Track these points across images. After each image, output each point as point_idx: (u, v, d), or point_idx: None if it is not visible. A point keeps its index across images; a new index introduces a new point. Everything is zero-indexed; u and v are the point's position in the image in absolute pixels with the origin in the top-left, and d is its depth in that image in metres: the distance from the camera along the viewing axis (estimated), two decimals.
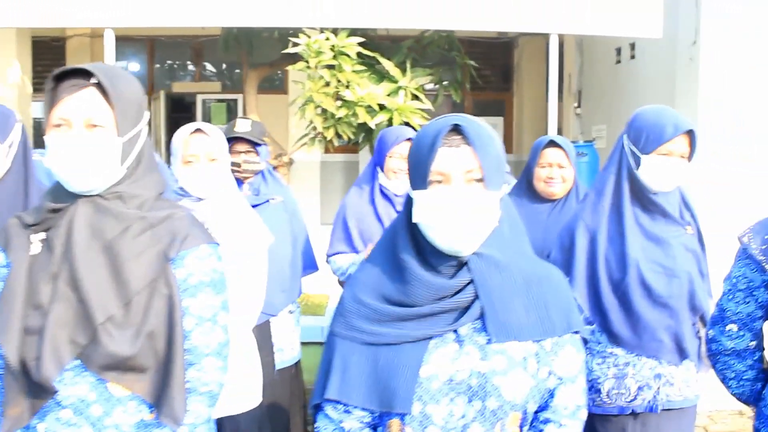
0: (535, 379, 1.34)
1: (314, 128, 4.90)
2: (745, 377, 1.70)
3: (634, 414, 2.41)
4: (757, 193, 5.67)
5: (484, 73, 11.39)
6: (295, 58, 4.79)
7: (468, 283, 1.33)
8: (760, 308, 1.59)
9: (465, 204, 1.30)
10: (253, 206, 3.02)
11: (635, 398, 2.38)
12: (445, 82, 6.22)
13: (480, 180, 1.31)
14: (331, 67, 4.73)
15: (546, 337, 1.36)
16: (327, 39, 4.65)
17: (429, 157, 1.32)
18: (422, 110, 4.91)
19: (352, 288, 1.43)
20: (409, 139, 3.14)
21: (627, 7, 5.13)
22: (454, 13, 4.80)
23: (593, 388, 2.43)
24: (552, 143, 2.91)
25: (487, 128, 1.36)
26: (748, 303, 1.60)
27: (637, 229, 2.33)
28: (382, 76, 5.03)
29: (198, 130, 2.49)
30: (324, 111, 4.76)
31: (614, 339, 2.36)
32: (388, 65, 4.95)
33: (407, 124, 4.73)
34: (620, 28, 5.16)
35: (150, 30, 8.15)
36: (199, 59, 9.72)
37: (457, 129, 1.32)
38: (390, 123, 4.71)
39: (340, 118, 4.62)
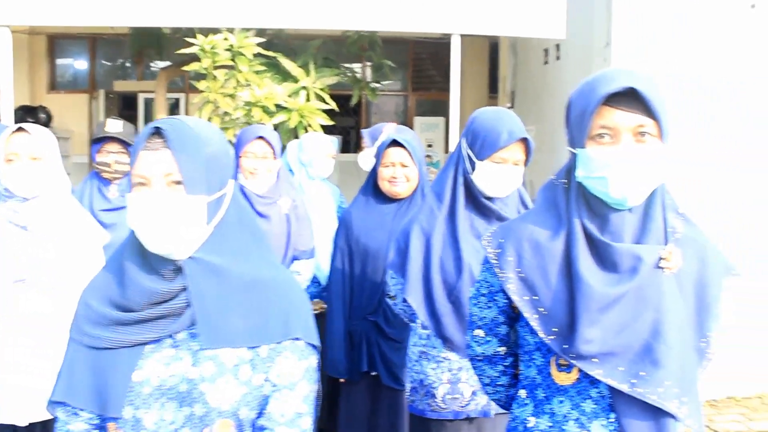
0: (248, 386, 1.33)
1: None
2: (498, 383, 1.69)
3: (469, 419, 2.41)
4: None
5: (429, 73, 11.50)
6: (195, 58, 4.79)
7: (183, 289, 1.33)
8: (502, 313, 1.58)
9: (162, 207, 1.29)
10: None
11: (469, 403, 2.39)
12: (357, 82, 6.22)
13: (180, 183, 1.30)
14: (230, 67, 4.72)
15: (261, 344, 1.34)
16: (225, 39, 4.64)
17: (135, 162, 1.33)
18: (326, 111, 4.91)
19: (85, 292, 1.43)
20: (260, 137, 3.14)
21: (532, 8, 5.17)
22: (355, 12, 4.82)
23: (429, 393, 2.44)
24: (395, 143, 2.90)
25: (196, 131, 1.34)
26: (490, 308, 1.59)
27: (471, 233, 2.33)
28: (287, 76, 5.03)
29: (20, 129, 2.49)
30: (225, 112, 4.75)
31: (447, 343, 2.36)
32: (289, 65, 4.95)
33: (309, 125, 4.74)
34: (524, 29, 5.20)
35: (91, 28, 8.12)
36: (141, 58, 9.64)
37: (159, 132, 1.32)
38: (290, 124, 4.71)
39: (236, 119, 4.60)
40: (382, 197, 2.99)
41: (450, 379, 2.41)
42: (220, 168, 1.37)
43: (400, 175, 2.91)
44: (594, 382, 1.39)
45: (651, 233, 1.38)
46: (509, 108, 8.51)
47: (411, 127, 8.89)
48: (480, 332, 1.63)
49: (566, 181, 1.44)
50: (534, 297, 1.42)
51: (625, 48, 5.76)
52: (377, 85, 6.89)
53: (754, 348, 5.58)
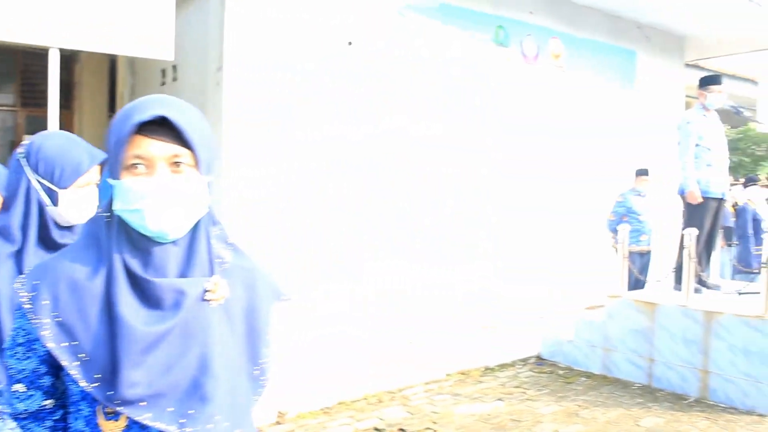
0: None
1: None
2: None
3: None
4: (286, 210, 6.04)
5: (41, 88, 10.53)
6: None
7: None
8: (43, 363, 1.40)
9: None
10: None
11: None
12: None
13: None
14: None
15: None
16: None
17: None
18: None
19: None
20: None
21: (140, 27, 4.99)
22: None
23: None
24: None
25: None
26: (30, 358, 1.39)
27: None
28: None
29: None
30: None
31: None
32: None
33: None
34: (131, 48, 5.00)
35: None
36: None
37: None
38: None
39: None
40: None
41: None
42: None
43: None
44: (144, 426, 1.31)
45: (196, 265, 1.35)
46: None
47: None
48: (20, 386, 1.44)
49: (108, 214, 1.34)
50: (73, 342, 1.29)
51: (237, 72, 5.91)
52: None
53: (356, 353, 6.12)
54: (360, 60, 6.46)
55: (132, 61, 8.10)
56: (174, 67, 6.98)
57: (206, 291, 1.34)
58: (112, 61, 9.52)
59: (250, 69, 5.92)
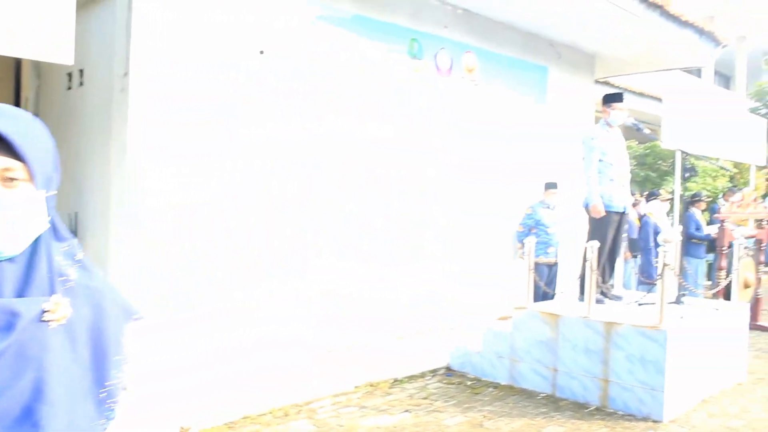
0: None
1: None
2: None
3: None
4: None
5: None
6: None
7: None
8: None
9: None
10: None
11: None
12: None
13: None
14: None
15: None
16: None
17: None
18: None
19: None
20: None
21: (39, 30, 4.80)
22: None
23: None
24: None
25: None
26: None
27: None
28: None
29: None
30: None
31: None
32: None
33: None
34: (28, 50, 4.80)
35: None
36: None
37: None
38: None
39: None
40: None
41: None
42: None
43: None
44: None
45: (35, 284, 1.28)
46: None
47: None
48: None
49: None
50: None
51: (144, 79, 5.76)
52: None
53: (265, 367, 6.05)
54: (272, 67, 6.40)
55: (37, 65, 7.80)
56: (81, 71, 6.75)
57: (45, 311, 1.27)
58: (18, 64, 9.16)
59: (158, 74, 5.78)
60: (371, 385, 6.03)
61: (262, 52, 6.33)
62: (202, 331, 5.87)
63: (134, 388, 1.47)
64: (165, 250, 5.79)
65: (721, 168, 11.71)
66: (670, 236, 5.88)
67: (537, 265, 7.91)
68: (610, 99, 6.63)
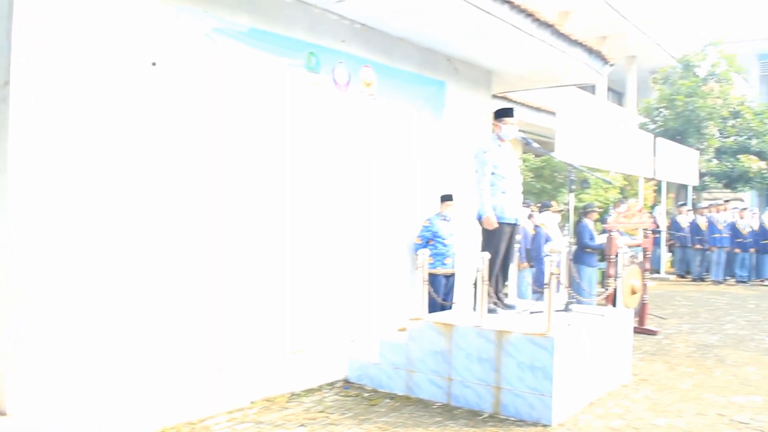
0: None
1: None
2: None
3: None
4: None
5: None
6: None
7: None
8: None
9: None
10: None
11: None
12: None
13: None
14: None
15: None
16: None
17: None
18: None
19: None
20: None
21: None
22: None
23: None
24: None
25: None
26: None
27: None
28: None
29: None
30: None
31: None
32: None
33: None
34: None
35: None
36: None
37: None
38: None
39: None
40: None
41: None
42: None
43: None
44: None
45: None
46: None
47: None
48: None
49: None
50: None
51: (26, 88, 5.53)
52: None
53: (155, 384, 5.87)
54: (165, 79, 6.27)
55: None
56: None
57: None
58: None
59: (45, 84, 5.55)
60: (267, 400, 5.97)
61: (154, 64, 6.19)
62: (86, 343, 5.66)
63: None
64: (42, 267, 5.55)
65: (604, 181, 12.25)
66: (557, 246, 6.11)
67: (435, 276, 8.06)
68: (502, 114, 6.84)
